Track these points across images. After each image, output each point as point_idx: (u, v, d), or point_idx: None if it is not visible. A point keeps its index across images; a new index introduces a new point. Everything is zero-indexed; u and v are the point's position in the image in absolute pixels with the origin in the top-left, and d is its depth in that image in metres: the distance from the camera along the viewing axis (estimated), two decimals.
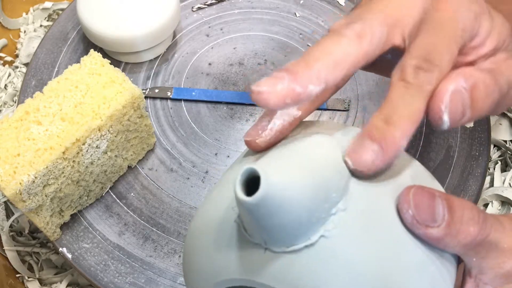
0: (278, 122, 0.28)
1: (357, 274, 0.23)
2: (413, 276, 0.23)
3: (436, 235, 0.24)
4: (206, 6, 0.61)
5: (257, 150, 0.28)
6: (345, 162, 0.24)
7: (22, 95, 0.55)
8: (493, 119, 0.57)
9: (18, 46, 0.67)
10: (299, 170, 0.23)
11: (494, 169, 0.55)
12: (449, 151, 0.51)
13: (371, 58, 0.27)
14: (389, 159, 0.24)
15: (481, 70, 0.27)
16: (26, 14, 0.69)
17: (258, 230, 0.23)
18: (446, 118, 0.25)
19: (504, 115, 0.59)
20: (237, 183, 0.22)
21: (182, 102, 0.55)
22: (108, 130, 0.43)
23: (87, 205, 0.48)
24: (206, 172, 0.50)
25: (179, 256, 0.46)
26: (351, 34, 0.27)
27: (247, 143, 0.28)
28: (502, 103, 0.29)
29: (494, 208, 0.53)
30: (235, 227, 0.25)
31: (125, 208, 0.49)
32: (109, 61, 0.44)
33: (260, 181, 0.21)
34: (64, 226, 0.47)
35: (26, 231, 0.53)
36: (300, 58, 0.26)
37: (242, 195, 0.21)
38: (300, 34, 0.59)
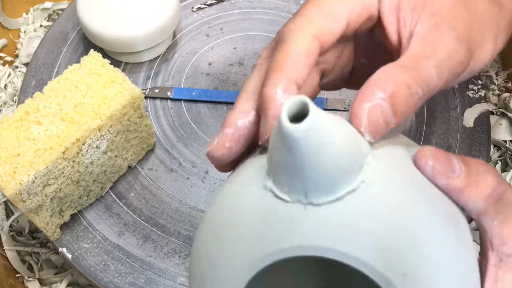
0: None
1: (399, 217, 0.22)
2: (443, 222, 0.23)
3: (458, 185, 0.24)
4: (206, 6, 0.62)
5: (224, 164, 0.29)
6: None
7: (22, 95, 0.55)
8: (493, 119, 0.57)
9: (18, 46, 0.67)
10: (334, 118, 0.22)
11: None
12: (449, 151, 0.51)
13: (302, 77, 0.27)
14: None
15: (401, 68, 0.26)
16: (26, 14, 0.69)
17: (300, 176, 0.22)
18: (368, 137, 0.24)
19: (504, 115, 0.59)
20: (284, 114, 0.20)
21: (182, 102, 0.55)
22: (108, 130, 0.43)
23: (87, 205, 0.48)
24: (206, 172, 0.50)
25: (179, 256, 0.46)
26: (259, 61, 0.29)
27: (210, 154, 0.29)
28: (453, 81, 0.28)
29: None
30: (265, 197, 0.23)
31: (125, 208, 0.49)
32: (109, 61, 0.44)
33: (305, 116, 0.20)
34: (64, 226, 0.47)
35: (26, 231, 0.53)
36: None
37: (291, 124, 0.20)
38: None
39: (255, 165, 0.26)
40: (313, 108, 0.20)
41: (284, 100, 0.25)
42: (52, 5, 0.68)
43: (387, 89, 0.24)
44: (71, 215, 0.47)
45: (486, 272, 0.25)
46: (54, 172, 0.40)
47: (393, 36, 0.28)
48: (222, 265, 0.24)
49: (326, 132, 0.21)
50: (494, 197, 0.25)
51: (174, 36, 0.59)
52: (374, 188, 0.22)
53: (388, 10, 0.28)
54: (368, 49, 0.33)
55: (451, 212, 0.24)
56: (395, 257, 0.21)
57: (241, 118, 0.27)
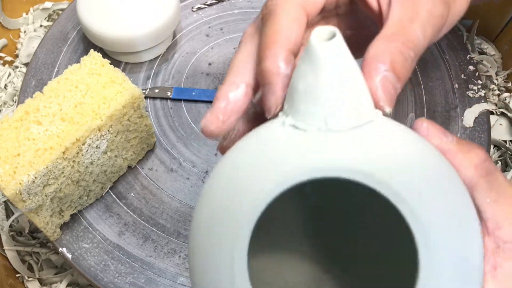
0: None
1: (413, 148, 0.23)
2: (449, 166, 0.25)
3: (451, 147, 0.26)
4: (206, 6, 0.62)
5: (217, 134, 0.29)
6: None
7: (22, 95, 0.55)
8: (493, 119, 0.57)
9: (18, 46, 0.67)
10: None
11: None
12: None
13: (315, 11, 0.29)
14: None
15: (391, 37, 0.27)
16: (26, 14, 0.68)
17: (321, 101, 0.23)
18: (388, 110, 0.26)
19: (504, 115, 0.59)
20: (314, 35, 0.22)
21: (182, 102, 0.55)
22: (108, 130, 0.43)
23: (87, 205, 0.48)
24: (206, 172, 0.50)
25: (179, 256, 0.46)
26: (244, 36, 0.30)
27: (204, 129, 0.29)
28: (436, 37, 0.30)
29: None
30: (283, 132, 0.24)
31: (125, 208, 0.49)
32: (109, 61, 0.44)
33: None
34: (64, 226, 0.47)
35: (26, 231, 0.53)
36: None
37: (321, 42, 0.22)
38: None
39: (262, 125, 0.26)
40: (340, 35, 0.22)
41: (287, 72, 0.27)
42: (52, 5, 0.68)
43: (386, 61, 0.26)
44: (71, 215, 0.47)
45: (484, 256, 0.26)
46: (54, 172, 0.40)
47: (373, 4, 0.30)
48: (236, 197, 0.24)
49: (352, 61, 0.23)
50: (484, 168, 0.26)
51: (174, 36, 0.59)
52: (390, 124, 0.24)
53: None
54: (351, 23, 0.34)
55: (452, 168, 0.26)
56: (411, 178, 0.22)
57: (232, 90, 0.28)
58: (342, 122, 0.23)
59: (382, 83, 0.25)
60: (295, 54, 0.27)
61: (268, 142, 0.24)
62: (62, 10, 0.69)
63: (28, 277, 0.51)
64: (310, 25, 0.30)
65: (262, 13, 0.30)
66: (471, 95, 0.55)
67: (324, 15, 0.32)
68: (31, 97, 0.42)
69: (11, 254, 0.52)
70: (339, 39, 0.22)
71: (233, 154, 0.26)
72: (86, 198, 0.47)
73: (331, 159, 0.22)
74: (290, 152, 0.23)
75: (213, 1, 0.61)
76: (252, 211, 0.22)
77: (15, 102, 0.63)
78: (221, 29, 0.60)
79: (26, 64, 0.66)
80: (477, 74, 0.57)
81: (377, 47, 0.26)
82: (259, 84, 0.28)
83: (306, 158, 0.22)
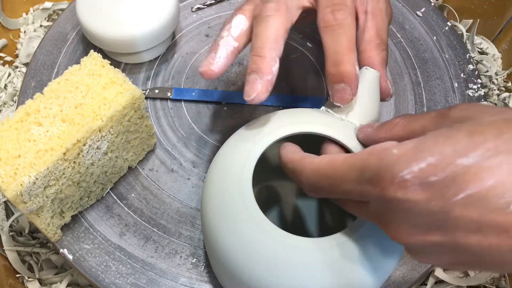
0: (223, 52, 0.37)
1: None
2: None
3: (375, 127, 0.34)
4: (205, 6, 0.61)
5: (213, 76, 0.37)
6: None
7: (22, 96, 0.55)
8: None
9: (18, 46, 0.67)
10: None
11: None
12: None
13: (292, 22, 0.38)
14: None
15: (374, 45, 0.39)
16: (26, 14, 0.68)
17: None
18: (392, 91, 0.41)
19: None
20: None
21: (182, 102, 0.55)
22: (109, 131, 0.43)
23: (88, 206, 0.48)
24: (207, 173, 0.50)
25: (180, 256, 0.46)
26: (272, 12, 0.36)
27: (204, 73, 0.37)
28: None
29: None
30: (320, 111, 0.38)
31: (126, 209, 0.49)
32: (109, 62, 0.44)
33: None
34: (64, 227, 0.47)
35: (26, 231, 0.53)
36: (252, 54, 0.36)
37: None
38: (300, 34, 0.59)
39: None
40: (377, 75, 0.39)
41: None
42: (52, 5, 0.68)
43: (379, 52, 0.40)
44: (72, 216, 0.47)
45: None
46: (55, 173, 0.40)
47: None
48: (246, 144, 0.36)
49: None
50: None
51: (173, 36, 0.59)
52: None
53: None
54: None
55: None
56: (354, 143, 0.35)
57: (274, 65, 0.36)
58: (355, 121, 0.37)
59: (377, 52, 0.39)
60: None
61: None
62: (62, 10, 0.69)
63: (28, 277, 0.51)
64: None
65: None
66: (470, 94, 0.55)
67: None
68: (31, 98, 0.42)
69: (11, 254, 0.52)
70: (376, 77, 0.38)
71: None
72: (86, 199, 0.47)
73: (338, 131, 0.35)
74: (317, 119, 0.36)
75: (213, 1, 0.61)
76: (256, 150, 0.34)
77: (15, 102, 0.63)
78: None
79: (26, 64, 0.66)
80: (476, 73, 0.57)
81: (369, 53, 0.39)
82: (329, 81, 0.36)
83: (303, 124, 0.35)
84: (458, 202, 0.23)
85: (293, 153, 0.33)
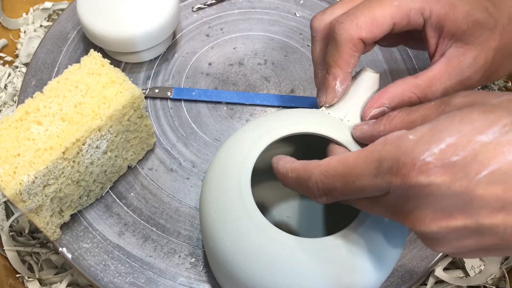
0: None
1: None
2: None
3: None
4: (206, 6, 0.62)
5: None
6: None
7: (22, 95, 0.55)
8: None
9: (18, 46, 0.67)
10: None
11: None
12: None
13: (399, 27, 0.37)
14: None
15: (413, 87, 0.36)
16: (26, 14, 0.69)
17: (350, 100, 0.38)
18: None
19: None
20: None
21: (182, 102, 0.55)
22: (108, 130, 0.43)
23: (87, 205, 0.48)
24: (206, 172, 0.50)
25: (179, 256, 0.46)
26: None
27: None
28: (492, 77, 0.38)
29: None
30: (319, 111, 0.38)
31: (125, 208, 0.49)
32: (109, 61, 0.44)
33: None
34: (64, 226, 0.47)
35: (26, 231, 0.53)
36: None
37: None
38: (300, 34, 0.59)
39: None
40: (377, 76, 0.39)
41: (340, 88, 0.37)
42: (52, 5, 0.68)
43: (392, 102, 0.36)
44: (71, 215, 0.47)
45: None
46: (54, 172, 0.40)
47: (431, 48, 0.37)
48: (244, 144, 0.36)
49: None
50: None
51: (174, 36, 0.59)
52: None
53: (432, 27, 0.37)
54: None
55: None
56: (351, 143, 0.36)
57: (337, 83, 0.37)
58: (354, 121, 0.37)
59: (373, 114, 0.36)
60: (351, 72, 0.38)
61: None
62: (62, 10, 0.69)
63: (28, 277, 0.51)
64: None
65: (330, 28, 0.38)
66: None
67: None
68: (31, 97, 0.42)
69: (11, 254, 0.52)
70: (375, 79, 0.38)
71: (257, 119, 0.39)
72: (86, 198, 0.47)
73: (334, 131, 0.35)
74: (315, 119, 0.37)
75: (213, 1, 0.61)
76: (255, 149, 0.35)
77: (15, 102, 0.63)
78: (221, 29, 0.60)
79: (26, 64, 0.66)
80: None
81: (396, 87, 0.36)
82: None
83: (300, 124, 0.36)
84: (482, 179, 0.23)
85: (292, 163, 0.32)
